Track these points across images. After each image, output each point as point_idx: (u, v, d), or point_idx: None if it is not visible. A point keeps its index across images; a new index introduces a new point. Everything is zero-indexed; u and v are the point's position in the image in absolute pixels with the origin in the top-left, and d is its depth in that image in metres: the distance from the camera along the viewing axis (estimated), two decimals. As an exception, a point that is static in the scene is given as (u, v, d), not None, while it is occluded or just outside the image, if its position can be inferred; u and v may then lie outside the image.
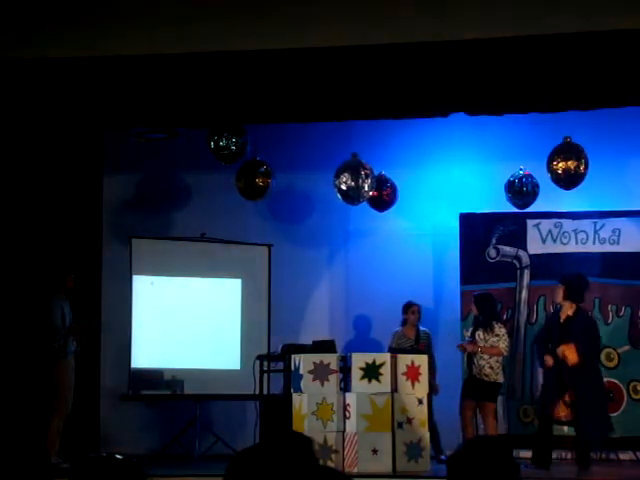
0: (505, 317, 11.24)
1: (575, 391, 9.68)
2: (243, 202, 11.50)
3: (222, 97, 9.07)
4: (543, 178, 10.89)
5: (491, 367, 10.32)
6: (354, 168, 10.91)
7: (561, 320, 9.94)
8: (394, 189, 11.52)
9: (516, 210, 11.27)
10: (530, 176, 11.08)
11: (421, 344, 10.96)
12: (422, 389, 9.49)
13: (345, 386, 9.63)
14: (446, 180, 11.77)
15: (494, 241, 11.44)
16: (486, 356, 10.28)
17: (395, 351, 10.04)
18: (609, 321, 11.16)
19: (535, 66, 8.61)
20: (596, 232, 11.28)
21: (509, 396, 11.12)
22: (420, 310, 11.17)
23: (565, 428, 10.89)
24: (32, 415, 10.07)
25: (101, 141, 11.49)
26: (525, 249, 11.41)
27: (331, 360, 9.45)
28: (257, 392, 10.69)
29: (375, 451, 9.21)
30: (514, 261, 11.42)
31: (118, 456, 3.29)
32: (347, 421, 9.28)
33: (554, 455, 10.20)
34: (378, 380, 9.32)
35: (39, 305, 10.09)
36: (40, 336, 9.94)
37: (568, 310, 9.94)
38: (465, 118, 9.38)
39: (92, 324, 10.24)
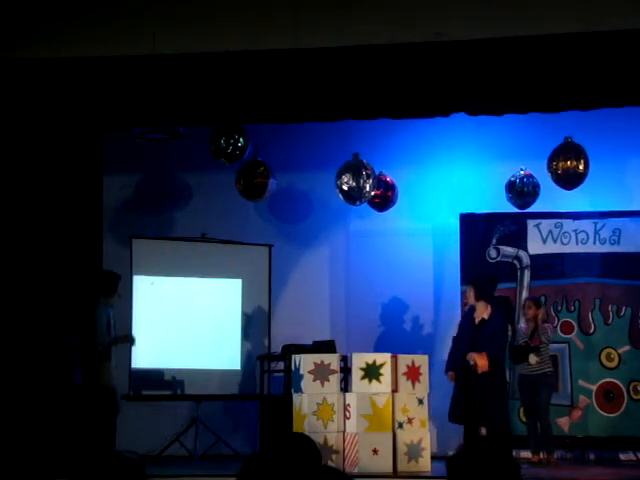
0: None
1: (482, 395, 9.56)
2: (243, 202, 11.50)
3: (222, 97, 9.07)
4: (543, 178, 10.89)
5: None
6: (355, 169, 10.92)
7: (476, 322, 9.81)
8: (394, 189, 11.52)
9: (516, 210, 11.26)
10: (530, 176, 11.07)
11: (535, 340, 10.44)
12: (422, 389, 9.49)
13: (345, 386, 9.64)
14: (446, 180, 11.77)
15: (494, 241, 11.43)
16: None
17: (513, 349, 10.20)
18: (609, 321, 11.15)
19: (535, 66, 8.60)
20: (596, 232, 11.28)
21: (509, 396, 11.10)
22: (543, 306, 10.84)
23: (566, 428, 10.91)
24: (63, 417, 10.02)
25: (101, 141, 11.47)
26: (525, 249, 11.40)
27: (331, 360, 9.44)
28: (257, 392, 10.69)
29: (375, 451, 9.21)
30: (514, 261, 11.41)
31: (119, 456, 3.29)
32: (347, 421, 9.28)
33: (553, 455, 10.18)
34: (378, 380, 9.31)
35: (86, 308, 10.08)
36: (85, 339, 9.93)
37: (483, 312, 9.79)
38: (465, 118, 9.38)
39: (131, 338, 10.43)
